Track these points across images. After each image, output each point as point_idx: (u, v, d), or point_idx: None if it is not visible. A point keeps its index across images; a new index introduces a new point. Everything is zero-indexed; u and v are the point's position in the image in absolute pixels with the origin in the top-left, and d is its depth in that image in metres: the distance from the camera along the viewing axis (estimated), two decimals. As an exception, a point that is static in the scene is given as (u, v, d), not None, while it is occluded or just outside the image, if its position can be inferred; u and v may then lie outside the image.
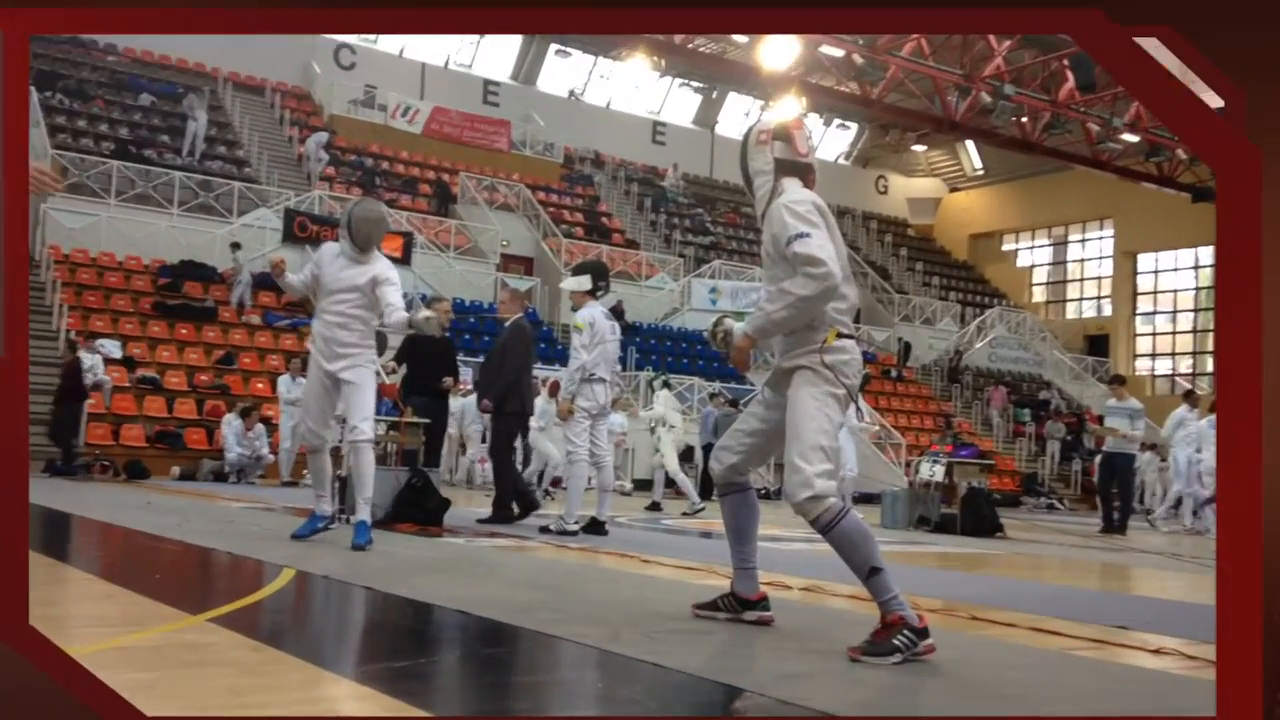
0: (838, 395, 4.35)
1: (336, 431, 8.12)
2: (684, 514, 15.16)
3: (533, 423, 15.08)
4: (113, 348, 20.94)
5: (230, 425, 18.21)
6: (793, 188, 4.51)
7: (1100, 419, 16.42)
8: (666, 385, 18.83)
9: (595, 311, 9.59)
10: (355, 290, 7.28)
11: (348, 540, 7.30)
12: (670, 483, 16.95)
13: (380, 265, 7.37)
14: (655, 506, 16.49)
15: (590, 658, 3.93)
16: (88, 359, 19.18)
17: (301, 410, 8.01)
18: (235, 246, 24.64)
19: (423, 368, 12.25)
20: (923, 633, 4.05)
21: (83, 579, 5.58)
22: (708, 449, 21.17)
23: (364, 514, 7.22)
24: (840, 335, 4.40)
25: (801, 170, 4.59)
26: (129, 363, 21.08)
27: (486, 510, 10.89)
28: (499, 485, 10.84)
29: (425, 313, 7.23)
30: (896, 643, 4.01)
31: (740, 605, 4.79)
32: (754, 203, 4.64)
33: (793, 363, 4.41)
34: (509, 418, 10.67)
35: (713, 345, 4.85)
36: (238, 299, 24.47)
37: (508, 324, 10.77)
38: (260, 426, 18.47)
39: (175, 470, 18.26)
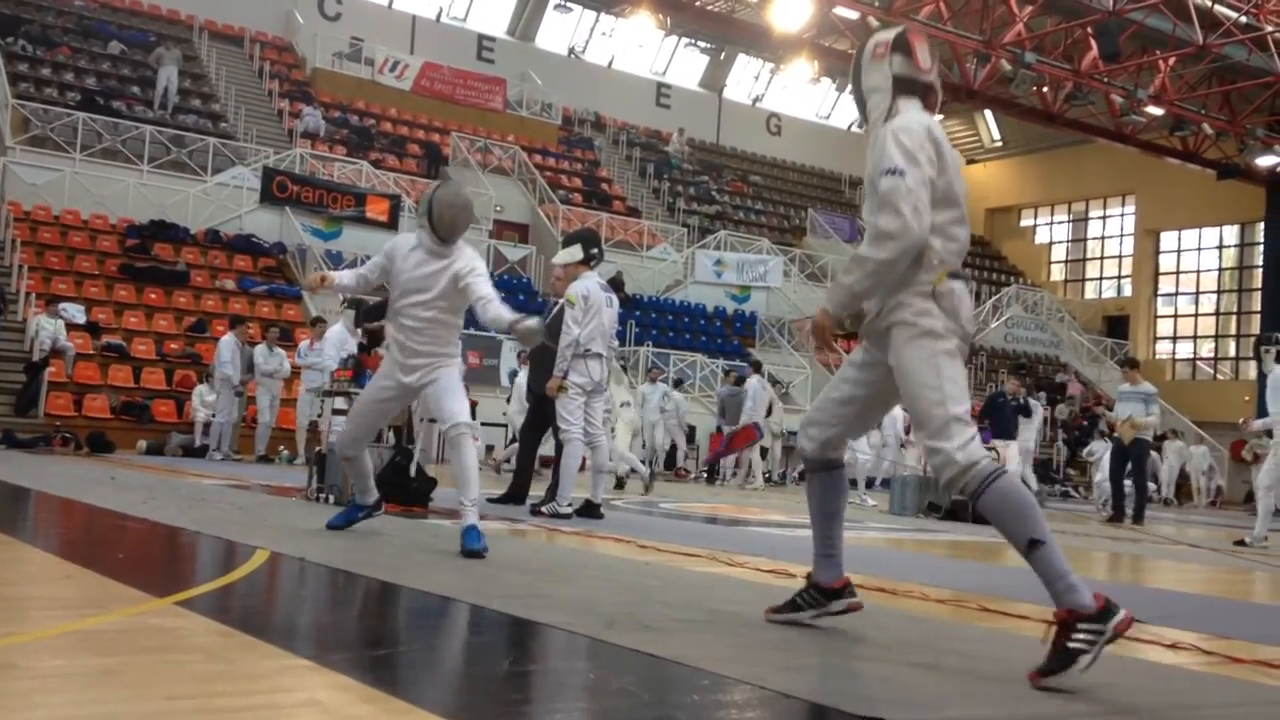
0: (950, 350, 3.99)
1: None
2: (644, 493, 15.11)
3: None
4: (76, 312, 20.87)
5: (226, 345, 17.88)
6: (909, 110, 4.17)
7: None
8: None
9: (589, 283, 9.54)
10: (434, 290, 6.58)
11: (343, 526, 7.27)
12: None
13: (463, 258, 6.62)
14: (620, 484, 16.51)
15: (581, 647, 3.91)
16: (49, 324, 19.10)
17: (349, 417, 7.19)
18: None
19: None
20: (1104, 614, 3.66)
21: (40, 558, 5.56)
22: (720, 431, 21.17)
23: (471, 517, 6.35)
24: (951, 276, 4.06)
25: (922, 90, 4.26)
26: (93, 329, 21.02)
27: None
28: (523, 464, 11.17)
29: (530, 322, 6.25)
30: (1074, 646, 3.62)
31: (824, 596, 4.48)
32: (867, 127, 4.29)
33: (888, 319, 4.06)
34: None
35: (845, 328, 4.29)
36: None
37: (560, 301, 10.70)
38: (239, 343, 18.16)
39: (142, 444, 18.22)
